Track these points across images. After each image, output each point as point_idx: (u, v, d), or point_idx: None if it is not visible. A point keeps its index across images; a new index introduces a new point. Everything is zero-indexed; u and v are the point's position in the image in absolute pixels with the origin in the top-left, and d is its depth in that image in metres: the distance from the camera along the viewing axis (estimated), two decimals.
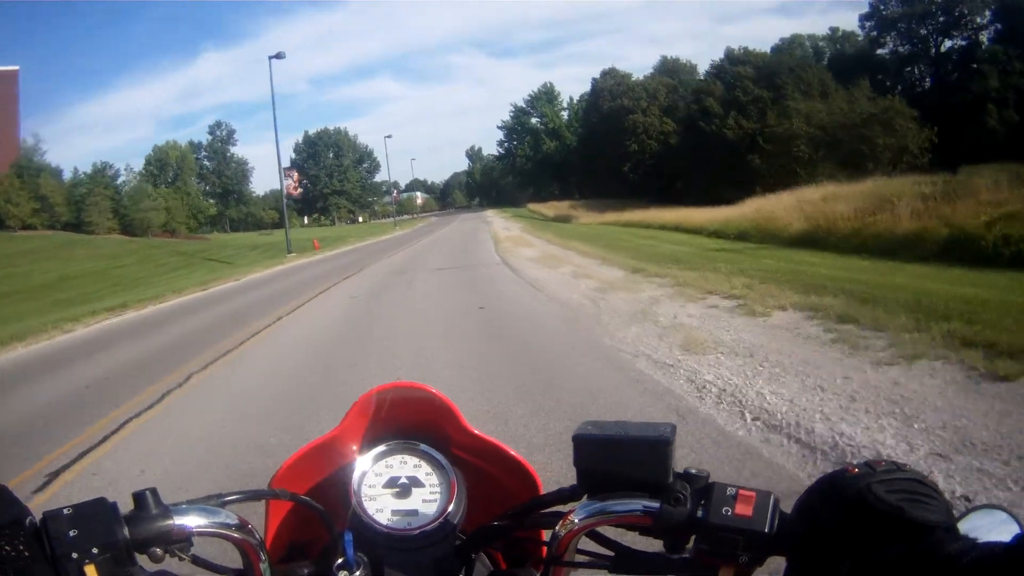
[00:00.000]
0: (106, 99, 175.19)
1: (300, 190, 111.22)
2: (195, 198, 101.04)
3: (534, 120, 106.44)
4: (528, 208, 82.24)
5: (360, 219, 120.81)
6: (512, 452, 1.09)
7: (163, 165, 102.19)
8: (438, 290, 16.02)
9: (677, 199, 55.95)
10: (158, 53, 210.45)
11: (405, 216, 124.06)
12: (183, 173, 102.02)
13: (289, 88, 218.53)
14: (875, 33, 61.71)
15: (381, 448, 1.03)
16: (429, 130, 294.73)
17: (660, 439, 0.84)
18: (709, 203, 41.21)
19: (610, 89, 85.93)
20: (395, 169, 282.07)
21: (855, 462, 0.75)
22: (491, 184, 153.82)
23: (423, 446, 1.04)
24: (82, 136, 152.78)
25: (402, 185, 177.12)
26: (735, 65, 60.26)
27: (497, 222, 53.70)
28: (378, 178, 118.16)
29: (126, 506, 0.80)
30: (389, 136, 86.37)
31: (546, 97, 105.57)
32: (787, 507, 0.79)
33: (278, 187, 58.70)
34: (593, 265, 17.49)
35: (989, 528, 0.76)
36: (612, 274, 15.09)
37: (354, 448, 1.07)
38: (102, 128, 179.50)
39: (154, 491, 0.81)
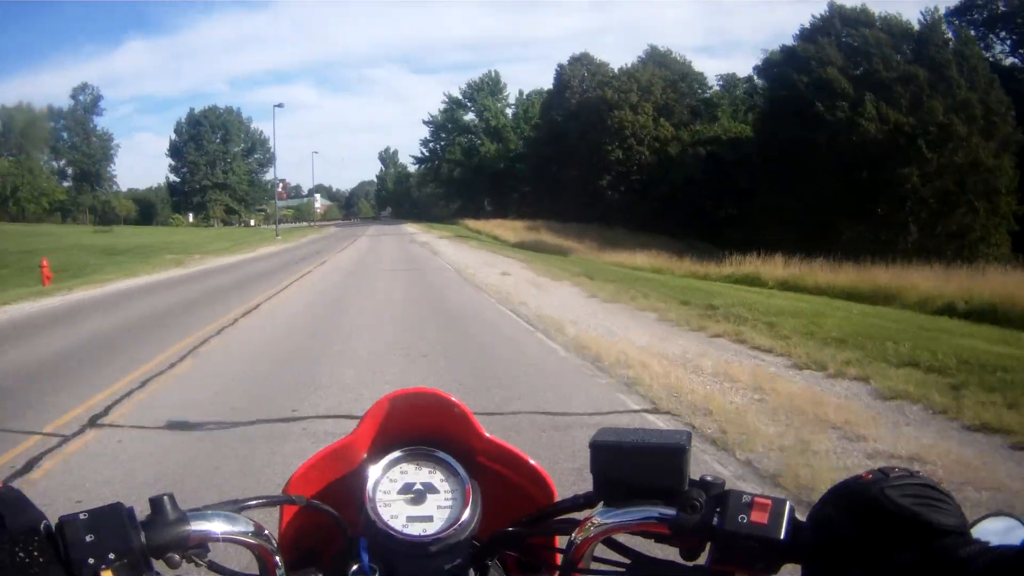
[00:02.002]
0: (25, 79, 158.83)
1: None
2: (37, 176, 78.11)
3: (469, 116, 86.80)
4: (464, 225, 62.35)
5: (252, 222, 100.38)
6: (527, 458, 1.08)
7: (6, 131, 79.19)
8: None
9: (735, 234, 36.86)
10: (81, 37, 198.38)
11: (302, 223, 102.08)
12: (28, 143, 78.81)
13: (208, 87, 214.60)
14: None
15: (396, 454, 1.03)
16: (341, 140, 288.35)
17: (676, 447, 0.85)
18: (811, 243, 23.03)
19: (582, 79, 67.48)
20: (297, 173, 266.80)
21: (868, 469, 0.76)
22: (405, 194, 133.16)
23: (438, 452, 1.04)
24: None
25: (304, 190, 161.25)
26: (851, 27, 40.41)
27: (445, 249, 31.94)
28: (270, 175, 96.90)
29: (142, 511, 0.79)
30: (280, 105, 62.47)
31: (489, 88, 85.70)
32: (802, 515, 0.79)
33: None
34: None
35: (1001, 534, 0.75)
36: None
37: (368, 454, 1.05)
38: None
39: (171, 496, 0.81)
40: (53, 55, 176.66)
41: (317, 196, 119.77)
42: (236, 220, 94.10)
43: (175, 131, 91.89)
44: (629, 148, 58.87)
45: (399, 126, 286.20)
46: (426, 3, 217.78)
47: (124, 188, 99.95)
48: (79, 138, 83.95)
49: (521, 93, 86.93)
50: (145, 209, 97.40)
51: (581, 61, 69.58)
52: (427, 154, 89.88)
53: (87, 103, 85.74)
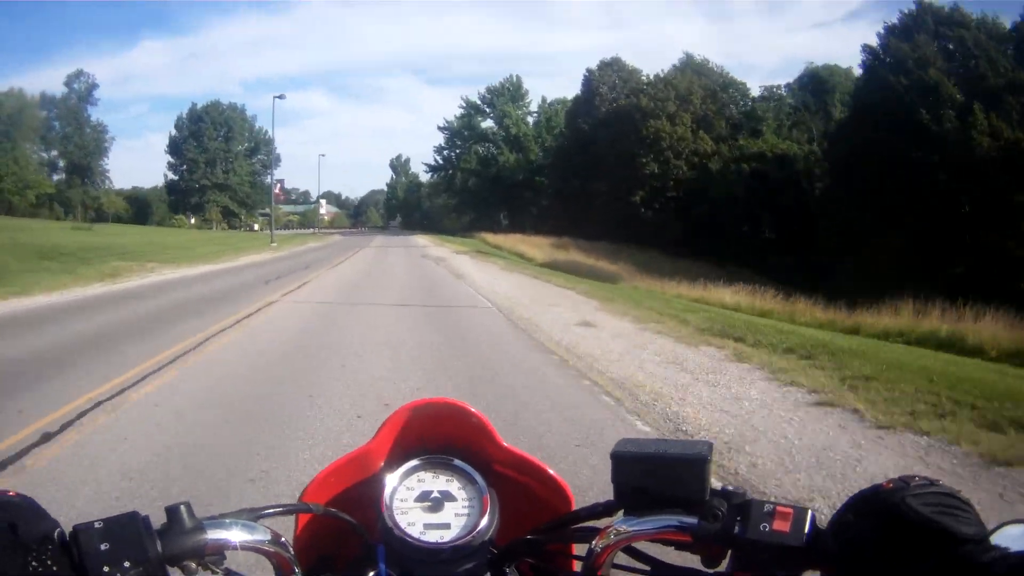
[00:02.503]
0: (40, 72, 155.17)
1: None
2: (24, 167, 72.88)
3: (488, 123, 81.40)
4: (481, 240, 56.91)
5: (256, 226, 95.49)
6: (545, 467, 1.08)
7: None
8: None
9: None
10: (97, 34, 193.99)
11: (307, 230, 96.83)
12: (16, 131, 73.62)
13: (220, 89, 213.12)
14: None
15: (413, 463, 1.03)
16: (353, 148, 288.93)
17: (698, 457, 0.86)
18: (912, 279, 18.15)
19: (612, 86, 62.19)
20: (306, 180, 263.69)
21: (890, 478, 0.77)
22: (415, 204, 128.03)
23: (456, 461, 1.04)
24: None
25: (313, 196, 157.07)
26: (946, 26, 34.37)
27: (469, 270, 25.37)
28: (277, 177, 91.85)
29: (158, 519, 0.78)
30: (281, 96, 59.28)
31: (510, 93, 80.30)
32: (823, 523, 0.79)
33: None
34: None
35: (1020, 539, 0.74)
36: None
37: (385, 463, 1.07)
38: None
39: (187, 505, 0.81)
40: (69, 52, 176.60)
41: (323, 201, 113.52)
42: (241, 223, 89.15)
43: (176, 126, 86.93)
44: (665, 162, 53.54)
45: (412, 136, 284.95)
46: (442, 14, 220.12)
47: (129, 186, 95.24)
48: (71, 128, 78.70)
49: (544, 100, 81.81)
50: (141, 208, 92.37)
51: (611, 67, 64.39)
52: (441, 162, 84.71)
53: (82, 91, 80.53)
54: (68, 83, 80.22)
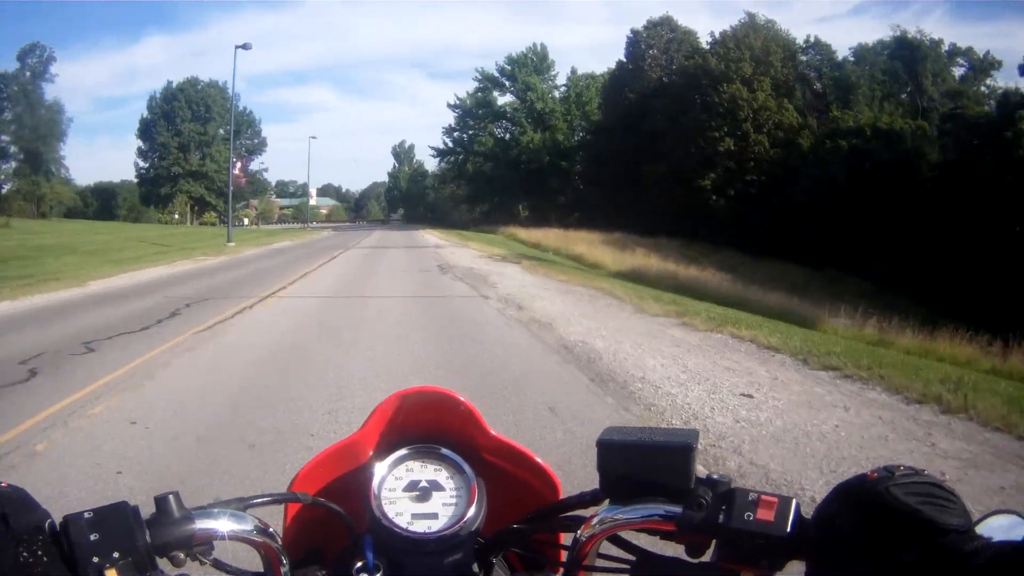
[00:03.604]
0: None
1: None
2: None
3: (506, 99, 69.39)
4: (509, 235, 45.45)
5: (246, 221, 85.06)
6: (533, 455, 1.08)
7: None
8: None
9: None
10: (100, 30, 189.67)
11: (298, 224, 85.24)
12: None
13: (226, 85, 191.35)
14: None
15: (401, 452, 1.03)
16: (355, 142, 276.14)
17: (683, 445, 0.86)
18: None
19: (666, 46, 50.93)
20: (303, 174, 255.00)
21: (874, 468, 0.76)
22: (419, 195, 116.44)
23: (443, 450, 1.04)
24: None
25: (310, 188, 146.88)
26: None
27: (569, 312, 11.96)
28: (256, 165, 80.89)
29: (147, 509, 0.78)
30: (245, 46, 38.36)
31: (534, 64, 68.17)
32: (807, 512, 0.78)
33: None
34: None
35: (1005, 530, 0.76)
36: None
37: (374, 452, 1.06)
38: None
39: (176, 495, 0.81)
40: (72, 47, 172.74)
41: (313, 191, 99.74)
42: (221, 216, 77.79)
43: (148, 107, 75.61)
44: (743, 136, 42.22)
45: (414, 129, 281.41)
46: (445, 9, 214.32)
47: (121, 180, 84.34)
48: (22, 108, 67.37)
49: (574, 72, 69.29)
50: (106, 202, 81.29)
51: (661, 27, 53.02)
52: (451, 145, 72.57)
53: (35, 67, 69.14)
54: (21, 57, 68.78)
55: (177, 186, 71.40)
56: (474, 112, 69.84)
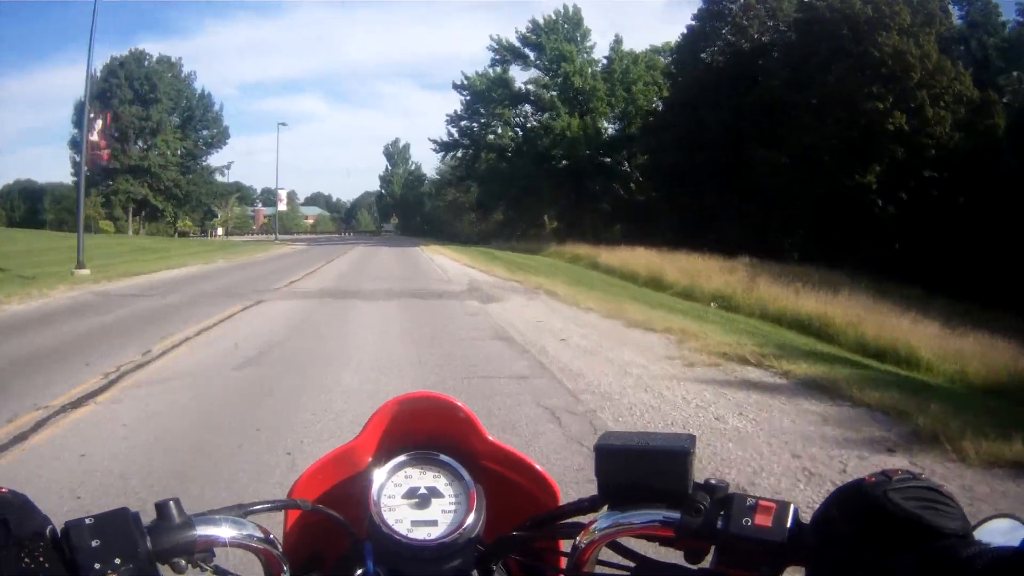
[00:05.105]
0: (32, 76, 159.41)
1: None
2: None
3: (531, 73, 54.24)
4: (579, 255, 30.39)
5: (220, 231, 70.49)
6: (532, 462, 1.09)
7: None
8: None
9: None
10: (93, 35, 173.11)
11: (284, 237, 69.79)
12: None
13: (218, 92, 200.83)
14: None
15: (400, 458, 1.03)
16: (346, 153, 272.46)
17: (680, 450, 0.86)
18: None
19: None
20: (297, 183, 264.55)
21: (872, 472, 0.76)
22: (416, 202, 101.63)
23: (443, 456, 1.04)
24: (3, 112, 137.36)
25: (299, 197, 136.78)
26: None
27: None
28: (219, 159, 66.48)
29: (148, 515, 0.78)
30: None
31: (566, 31, 52.89)
32: (807, 518, 0.78)
33: None
34: None
35: (1004, 534, 0.76)
36: None
37: (373, 458, 1.07)
38: (24, 105, 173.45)
39: (177, 501, 0.82)
40: (63, 51, 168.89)
41: (282, 193, 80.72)
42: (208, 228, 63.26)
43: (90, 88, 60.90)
44: (919, 112, 27.75)
45: (407, 140, 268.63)
46: (438, 20, 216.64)
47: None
48: None
49: (618, 40, 53.50)
50: (33, 206, 66.62)
51: None
52: (456, 136, 57.21)
53: None
54: None
55: (113, 185, 56.65)
56: (487, 94, 54.49)
